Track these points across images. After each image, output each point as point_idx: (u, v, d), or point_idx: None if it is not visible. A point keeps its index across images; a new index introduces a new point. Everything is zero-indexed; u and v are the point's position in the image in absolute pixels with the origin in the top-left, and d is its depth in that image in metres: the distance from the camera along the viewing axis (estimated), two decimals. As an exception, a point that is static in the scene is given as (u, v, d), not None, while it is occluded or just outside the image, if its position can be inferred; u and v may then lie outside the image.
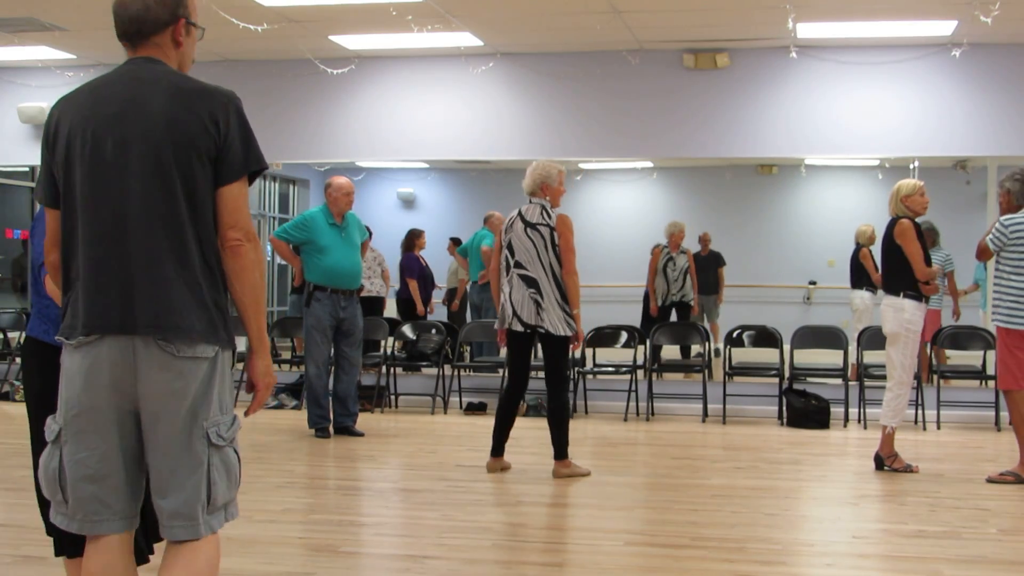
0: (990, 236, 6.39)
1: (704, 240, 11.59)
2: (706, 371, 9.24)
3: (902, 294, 6.52)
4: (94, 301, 2.57)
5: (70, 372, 2.63)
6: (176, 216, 2.56)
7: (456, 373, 9.56)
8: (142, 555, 3.38)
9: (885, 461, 6.60)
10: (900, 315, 6.51)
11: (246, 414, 2.79)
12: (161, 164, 2.56)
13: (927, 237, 7.26)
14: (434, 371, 9.57)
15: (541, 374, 6.71)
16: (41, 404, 3.27)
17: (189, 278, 2.58)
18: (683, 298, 10.63)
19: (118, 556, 2.68)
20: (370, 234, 8.49)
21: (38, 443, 3.28)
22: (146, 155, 2.56)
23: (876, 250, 9.88)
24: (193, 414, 2.60)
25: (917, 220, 6.65)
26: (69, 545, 3.30)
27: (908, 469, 6.55)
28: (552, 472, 6.40)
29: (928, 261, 6.56)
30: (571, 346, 6.44)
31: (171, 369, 2.56)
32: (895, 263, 6.58)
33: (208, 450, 2.62)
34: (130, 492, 2.68)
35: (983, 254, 6.52)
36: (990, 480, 6.30)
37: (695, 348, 9.86)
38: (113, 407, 2.60)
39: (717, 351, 9.70)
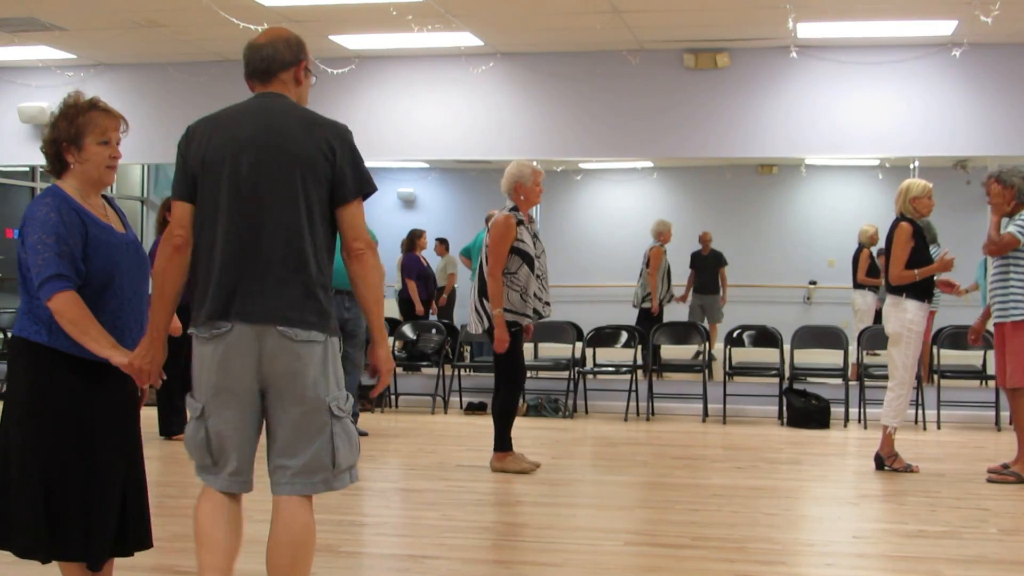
0: (1017, 228, 6.29)
1: (705, 239, 11.56)
2: (706, 371, 9.24)
3: (904, 294, 6.51)
4: (223, 294, 3.03)
5: (206, 358, 3.07)
6: (298, 228, 3.04)
7: (456, 373, 9.56)
8: (143, 543, 3.37)
9: (885, 461, 6.60)
10: (902, 315, 6.50)
11: (371, 395, 3.16)
12: (288, 183, 3.04)
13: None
14: (434, 371, 9.58)
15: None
16: (33, 404, 3.18)
17: (306, 279, 3.07)
18: (666, 298, 10.65)
19: (235, 512, 3.18)
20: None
21: (25, 444, 3.21)
22: (276, 175, 3.04)
23: (876, 250, 9.93)
24: (315, 390, 3.07)
25: (919, 221, 6.64)
26: (58, 550, 3.25)
27: (908, 469, 6.55)
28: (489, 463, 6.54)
29: (927, 261, 6.54)
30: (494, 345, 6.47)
31: (290, 352, 3.03)
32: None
33: (331, 420, 3.10)
34: (252, 458, 3.17)
35: (1008, 246, 6.30)
36: (990, 477, 6.30)
37: (695, 348, 9.86)
38: (244, 386, 3.07)
39: (712, 356, 9.69)
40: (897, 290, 6.55)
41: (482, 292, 6.46)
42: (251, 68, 3.18)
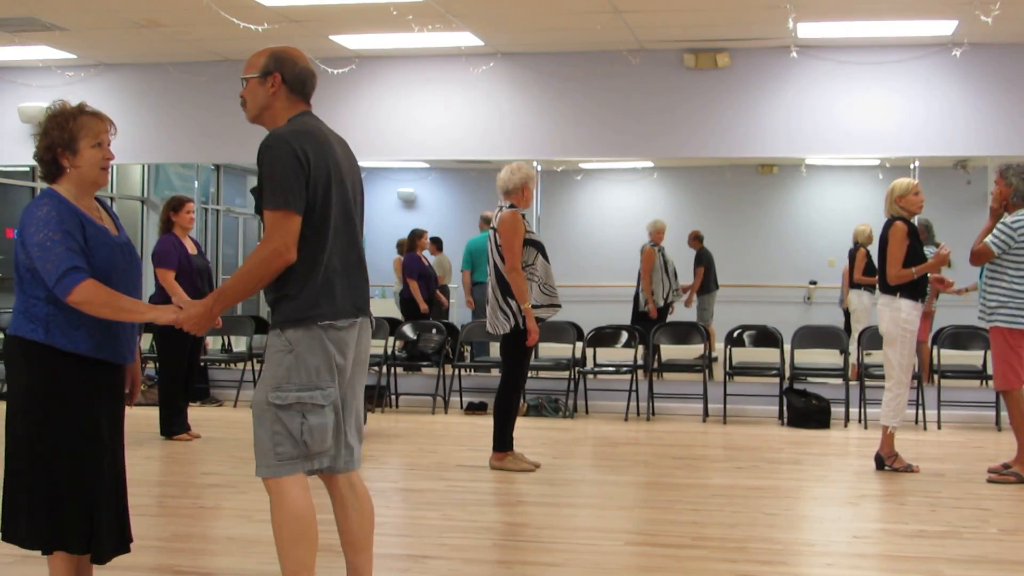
0: (992, 238, 6.33)
1: (690, 239, 11.48)
2: (707, 371, 9.24)
3: (898, 293, 6.51)
4: (353, 292, 3.40)
5: (340, 345, 3.34)
6: (361, 236, 3.51)
7: (456, 373, 9.56)
8: (125, 543, 3.39)
9: (885, 461, 6.60)
10: (897, 315, 6.50)
11: None
12: (361, 199, 3.54)
13: (922, 233, 7.18)
14: (434, 371, 9.58)
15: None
16: (34, 400, 3.21)
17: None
18: (673, 296, 10.64)
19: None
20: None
21: (28, 441, 3.23)
22: (357, 191, 3.51)
23: (873, 249, 9.92)
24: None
25: (914, 219, 6.64)
26: (73, 542, 3.26)
27: (908, 469, 6.55)
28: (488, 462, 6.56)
29: (921, 260, 6.54)
30: (526, 342, 6.37)
31: (369, 338, 3.56)
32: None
33: None
34: None
35: (982, 256, 6.40)
36: (990, 476, 6.30)
37: (695, 348, 9.85)
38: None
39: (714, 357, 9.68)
40: (891, 289, 6.54)
41: (505, 291, 6.34)
42: (310, 91, 3.49)
